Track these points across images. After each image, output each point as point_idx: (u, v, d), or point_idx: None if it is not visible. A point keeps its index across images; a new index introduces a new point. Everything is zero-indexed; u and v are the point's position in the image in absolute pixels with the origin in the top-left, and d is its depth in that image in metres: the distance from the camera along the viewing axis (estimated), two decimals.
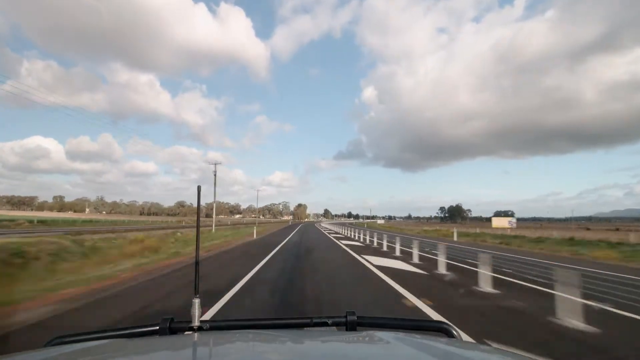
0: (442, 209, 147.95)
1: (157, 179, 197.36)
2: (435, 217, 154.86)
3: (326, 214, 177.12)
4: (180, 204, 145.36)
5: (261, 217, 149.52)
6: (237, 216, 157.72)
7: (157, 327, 0.87)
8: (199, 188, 1.00)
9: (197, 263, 0.97)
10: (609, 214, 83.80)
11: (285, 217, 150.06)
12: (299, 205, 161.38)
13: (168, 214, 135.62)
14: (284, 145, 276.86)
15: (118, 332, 0.88)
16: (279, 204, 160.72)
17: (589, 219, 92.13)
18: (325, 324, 0.89)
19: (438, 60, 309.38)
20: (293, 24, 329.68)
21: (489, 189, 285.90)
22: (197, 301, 0.90)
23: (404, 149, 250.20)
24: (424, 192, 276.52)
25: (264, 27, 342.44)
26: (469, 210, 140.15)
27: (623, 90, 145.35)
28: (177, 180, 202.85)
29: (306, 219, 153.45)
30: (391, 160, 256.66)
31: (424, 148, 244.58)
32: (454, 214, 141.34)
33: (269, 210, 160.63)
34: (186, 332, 0.89)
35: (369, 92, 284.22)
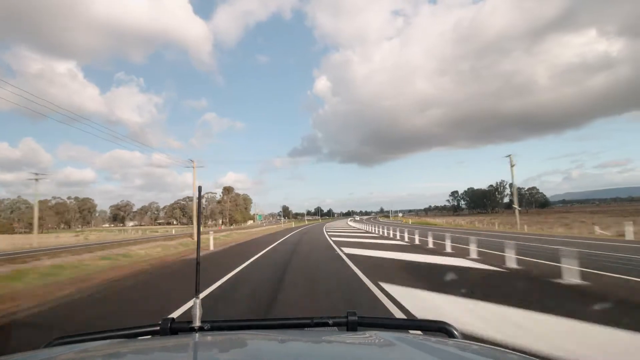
0: (453, 194, 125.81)
1: (96, 187, 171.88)
2: (435, 208, 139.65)
3: (286, 212, 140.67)
4: (117, 209, 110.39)
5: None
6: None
7: (158, 328, 0.89)
8: (199, 188, 1.01)
9: (197, 263, 0.99)
10: (551, 198, 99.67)
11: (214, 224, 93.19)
12: (227, 192, 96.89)
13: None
14: (236, 145, 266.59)
15: (118, 333, 0.90)
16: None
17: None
18: (326, 324, 0.90)
19: (394, 46, 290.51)
20: (237, 1, 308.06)
21: (441, 181, 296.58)
22: (197, 301, 0.92)
23: (361, 142, 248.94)
24: (380, 187, 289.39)
25: (204, 2, 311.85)
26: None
27: (574, 74, 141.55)
28: (120, 187, 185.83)
29: (253, 221, 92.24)
30: (348, 155, 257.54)
31: (382, 141, 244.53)
32: (479, 200, 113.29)
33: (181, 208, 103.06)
34: (187, 333, 0.90)
35: (322, 83, 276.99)
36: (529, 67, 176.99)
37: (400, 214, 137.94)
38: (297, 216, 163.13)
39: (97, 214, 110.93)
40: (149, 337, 0.92)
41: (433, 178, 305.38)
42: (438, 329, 0.90)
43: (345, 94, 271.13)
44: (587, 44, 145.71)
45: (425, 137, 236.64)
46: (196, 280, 0.96)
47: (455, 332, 0.87)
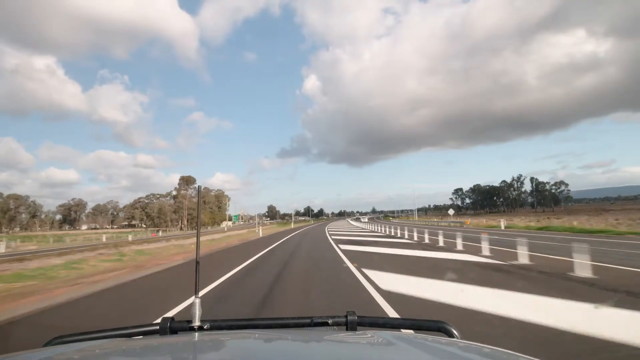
0: (457, 191, 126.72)
1: (81, 188, 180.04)
2: (435, 207, 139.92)
3: (273, 213, 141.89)
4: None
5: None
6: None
7: (158, 327, 0.95)
8: (199, 188, 1.14)
9: (197, 263, 1.08)
10: (464, 205, 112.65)
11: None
12: (185, 183, 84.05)
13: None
14: (224, 145, 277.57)
15: (118, 332, 0.96)
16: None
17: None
18: (325, 324, 0.97)
19: (384, 44, 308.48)
20: None
21: (431, 182, 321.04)
22: (197, 301, 0.99)
23: (351, 143, 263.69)
24: (370, 187, 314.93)
25: None
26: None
27: (562, 74, 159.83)
28: (106, 189, 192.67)
29: (232, 223, 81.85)
30: (338, 155, 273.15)
31: (372, 141, 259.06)
32: (487, 198, 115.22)
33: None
34: (187, 332, 0.96)
35: (311, 82, 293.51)
36: (518, 67, 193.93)
37: (405, 215, 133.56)
38: (284, 217, 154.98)
39: (43, 215, 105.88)
40: (148, 336, 0.98)
41: (423, 179, 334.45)
42: (437, 328, 0.96)
43: (335, 93, 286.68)
44: (576, 44, 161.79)
45: (415, 137, 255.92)
46: (196, 279, 1.04)
47: (455, 332, 0.94)
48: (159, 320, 0.97)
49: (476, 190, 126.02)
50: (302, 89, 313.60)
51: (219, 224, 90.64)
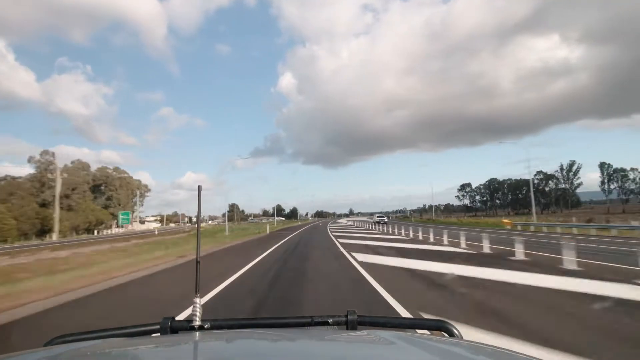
0: (464, 187, 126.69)
1: None
2: (420, 209, 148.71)
3: (233, 212, 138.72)
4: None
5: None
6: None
7: (158, 327, 1.06)
8: (199, 188, 1.28)
9: (197, 262, 1.23)
10: (476, 204, 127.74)
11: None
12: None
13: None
14: (195, 143, 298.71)
15: (119, 332, 1.07)
16: None
17: (473, 208, 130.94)
18: (326, 323, 1.09)
19: (362, 42, 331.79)
20: None
21: (403, 184, 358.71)
22: (197, 300, 1.11)
23: (326, 143, 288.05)
24: (344, 189, 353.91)
25: None
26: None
27: (535, 79, 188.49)
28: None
29: (120, 228, 68.74)
30: (313, 155, 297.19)
31: (347, 142, 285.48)
32: (507, 195, 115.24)
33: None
34: (187, 332, 1.07)
35: (287, 80, 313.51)
36: (494, 70, 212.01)
37: (401, 215, 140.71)
38: (248, 217, 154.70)
39: None
40: (149, 336, 1.09)
41: (398, 180, 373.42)
42: (438, 328, 1.08)
43: (311, 92, 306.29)
44: (550, 49, 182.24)
45: (390, 138, 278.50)
46: (196, 279, 1.18)
47: (455, 331, 1.04)
48: (159, 320, 1.08)
49: (490, 186, 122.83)
50: (277, 86, 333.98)
51: (108, 228, 68.69)
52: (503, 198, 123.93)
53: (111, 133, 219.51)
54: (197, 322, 1.08)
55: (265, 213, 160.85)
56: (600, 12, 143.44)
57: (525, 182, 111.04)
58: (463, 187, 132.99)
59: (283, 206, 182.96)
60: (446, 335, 1.07)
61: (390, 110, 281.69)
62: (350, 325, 1.09)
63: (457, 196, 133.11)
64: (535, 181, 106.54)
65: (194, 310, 1.10)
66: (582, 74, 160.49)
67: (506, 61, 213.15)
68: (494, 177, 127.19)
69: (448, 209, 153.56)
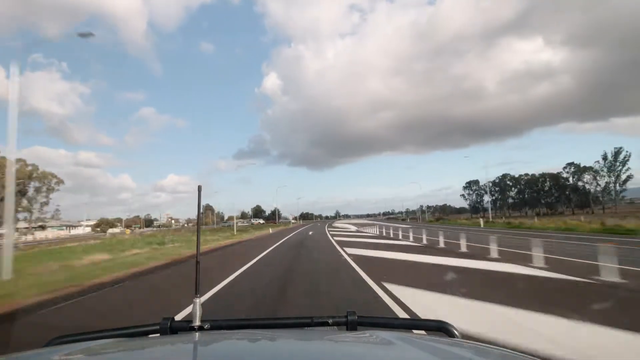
0: (470, 185, 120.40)
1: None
2: (409, 212, 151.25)
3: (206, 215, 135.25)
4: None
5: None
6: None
7: (158, 327, 1.13)
8: (199, 188, 1.35)
9: (197, 263, 1.30)
10: (484, 204, 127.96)
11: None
12: None
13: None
14: (178, 144, 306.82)
15: (118, 332, 1.14)
16: None
17: (466, 210, 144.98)
18: (326, 324, 1.16)
19: (348, 42, 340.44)
20: None
21: (389, 186, 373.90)
22: (197, 301, 1.17)
23: (311, 145, 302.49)
24: (330, 191, 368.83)
25: None
26: None
27: (519, 81, 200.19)
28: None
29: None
30: (298, 157, 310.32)
31: (333, 144, 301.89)
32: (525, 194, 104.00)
33: None
34: (187, 332, 1.14)
35: (271, 80, 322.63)
36: (479, 72, 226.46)
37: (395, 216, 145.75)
38: (227, 220, 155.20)
39: None
40: (149, 336, 1.16)
41: (383, 183, 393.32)
42: (438, 328, 1.14)
43: (296, 92, 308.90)
44: (534, 52, 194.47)
45: (376, 140, 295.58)
46: (196, 279, 1.25)
47: (455, 332, 1.10)
48: (159, 321, 1.15)
49: (501, 182, 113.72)
50: (262, 87, 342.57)
51: None
52: (518, 197, 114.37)
53: (89, 134, 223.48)
54: (197, 323, 1.15)
55: (244, 215, 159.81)
56: (582, 15, 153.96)
57: (553, 177, 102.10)
58: (469, 184, 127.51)
59: (267, 208, 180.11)
60: (446, 335, 1.14)
61: (376, 112, 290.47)
62: (350, 325, 1.16)
63: (463, 195, 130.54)
64: (565, 175, 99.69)
65: (193, 311, 1.17)
66: (564, 77, 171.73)
67: (491, 63, 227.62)
68: (507, 172, 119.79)
69: (445, 210, 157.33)
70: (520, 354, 0.96)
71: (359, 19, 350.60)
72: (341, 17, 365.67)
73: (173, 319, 1.18)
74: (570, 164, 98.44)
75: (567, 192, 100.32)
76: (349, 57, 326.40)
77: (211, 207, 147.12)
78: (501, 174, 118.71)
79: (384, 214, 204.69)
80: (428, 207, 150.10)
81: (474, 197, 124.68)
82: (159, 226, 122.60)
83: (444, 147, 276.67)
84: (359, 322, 1.18)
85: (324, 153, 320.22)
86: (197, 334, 1.14)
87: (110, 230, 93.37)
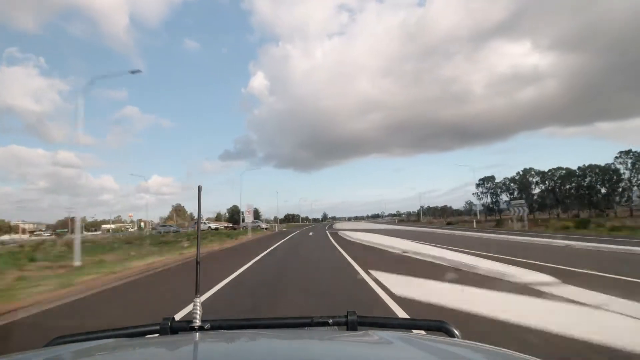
0: (484, 183, 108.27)
1: None
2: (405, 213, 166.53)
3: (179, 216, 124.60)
4: None
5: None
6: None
7: (158, 327, 1.18)
8: (199, 188, 1.42)
9: (197, 263, 1.36)
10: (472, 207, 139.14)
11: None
12: None
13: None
14: (162, 145, 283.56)
15: (118, 332, 1.20)
16: None
17: (460, 212, 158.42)
18: (326, 324, 1.21)
19: (337, 42, 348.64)
20: None
21: (376, 189, 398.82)
22: (197, 301, 1.22)
23: (299, 146, 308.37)
24: (317, 194, 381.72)
25: None
26: None
27: (506, 85, 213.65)
28: (19, 190, 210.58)
29: None
30: (284, 159, 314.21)
31: (320, 145, 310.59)
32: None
33: None
34: (187, 332, 1.19)
35: (258, 80, 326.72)
36: (467, 75, 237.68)
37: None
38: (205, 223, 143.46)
39: None
40: (149, 336, 1.21)
41: (371, 185, 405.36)
42: (438, 328, 1.19)
43: (283, 93, 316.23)
44: (522, 55, 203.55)
45: (363, 142, 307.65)
46: (196, 279, 1.30)
47: (455, 332, 1.14)
48: (159, 321, 1.20)
49: (522, 179, 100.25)
50: (249, 87, 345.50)
51: None
52: (548, 195, 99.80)
53: (69, 133, 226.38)
54: (197, 323, 1.21)
55: (219, 217, 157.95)
56: (570, 20, 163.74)
57: (602, 170, 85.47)
58: (483, 182, 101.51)
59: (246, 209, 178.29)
60: (446, 335, 1.19)
61: (364, 113, 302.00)
62: (350, 325, 1.21)
63: (476, 193, 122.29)
64: (615, 166, 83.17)
65: (193, 311, 1.22)
66: (550, 81, 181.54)
67: (479, 66, 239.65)
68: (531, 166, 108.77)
69: (446, 212, 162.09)
70: (520, 353, 1.01)
71: (348, 18, 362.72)
72: (330, 16, 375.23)
73: (173, 318, 1.24)
74: (627, 152, 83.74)
75: (619, 188, 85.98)
76: (337, 57, 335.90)
77: (182, 206, 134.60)
78: (522, 169, 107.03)
79: (372, 216, 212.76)
80: (429, 207, 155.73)
81: (488, 196, 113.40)
82: (108, 230, 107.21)
83: (431, 150, 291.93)
84: (359, 322, 1.24)
85: (311, 155, 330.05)
86: (197, 334, 1.21)
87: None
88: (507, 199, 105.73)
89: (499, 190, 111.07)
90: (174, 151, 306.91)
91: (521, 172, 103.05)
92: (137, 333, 1.26)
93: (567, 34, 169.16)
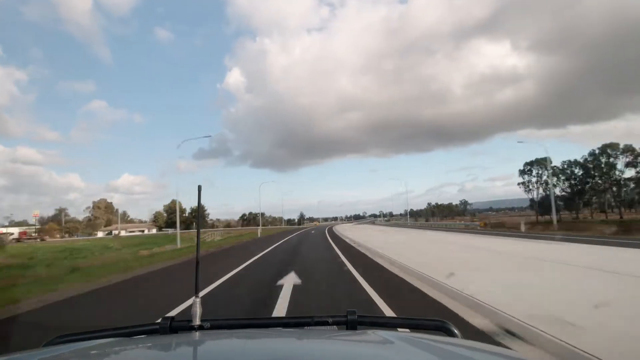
0: (528, 172, 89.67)
1: None
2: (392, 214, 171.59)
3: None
4: None
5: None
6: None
7: (158, 326, 1.20)
8: (199, 188, 1.44)
9: (197, 263, 1.37)
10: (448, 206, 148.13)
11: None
12: None
13: None
14: (133, 142, 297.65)
15: (118, 331, 1.22)
16: None
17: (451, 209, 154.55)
18: (326, 323, 1.21)
19: (316, 37, 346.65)
20: None
21: (353, 190, 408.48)
22: (197, 300, 1.23)
23: (275, 145, 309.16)
24: (294, 194, 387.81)
25: None
26: None
27: (485, 86, 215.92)
28: None
29: None
30: (260, 158, 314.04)
31: (297, 144, 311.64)
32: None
33: None
34: (187, 331, 1.20)
35: (234, 76, 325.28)
36: (447, 74, 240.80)
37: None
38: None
39: None
40: (149, 335, 1.23)
41: (348, 186, 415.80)
42: (438, 328, 1.18)
43: (260, 90, 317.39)
44: (501, 56, 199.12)
45: (341, 142, 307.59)
46: (196, 279, 1.32)
47: (455, 331, 1.13)
48: (159, 320, 1.23)
49: (570, 170, 75.81)
50: (224, 82, 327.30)
51: None
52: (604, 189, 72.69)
53: (28, 127, 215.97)
54: (197, 322, 1.23)
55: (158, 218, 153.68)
56: (548, 22, 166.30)
57: None
58: (530, 169, 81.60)
59: (229, 211, 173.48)
60: (445, 335, 1.19)
61: (342, 112, 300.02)
62: (350, 325, 1.21)
63: (522, 183, 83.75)
64: None
65: (193, 310, 1.24)
66: (527, 83, 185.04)
67: (458, 65, 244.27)
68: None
69: (451, 209, 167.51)
70: (520, 353, 1.06)
71: (329, 13, 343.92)
72: (310, 10, 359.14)
73: (173, 318, 1.25)
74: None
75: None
76: (317, 53, 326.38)
77: (111, 204, 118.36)
78: (599, 145, 76.61)
79: (355, 217, 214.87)
80: (429, 204, 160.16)
81: (537, 188, 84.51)
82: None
83: (409, 151, 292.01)
84: (359, 321, 1.24)
85: (288, 154, 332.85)
86: (197, 333, 1.22)
87: None
88: (563, 191, 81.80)
89: (555, 180, 77.82)
90: (147, 148, 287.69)
91: (597, 151, 72.73)
92: (136, 332, 1.28)
93: (546, 35, 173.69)
